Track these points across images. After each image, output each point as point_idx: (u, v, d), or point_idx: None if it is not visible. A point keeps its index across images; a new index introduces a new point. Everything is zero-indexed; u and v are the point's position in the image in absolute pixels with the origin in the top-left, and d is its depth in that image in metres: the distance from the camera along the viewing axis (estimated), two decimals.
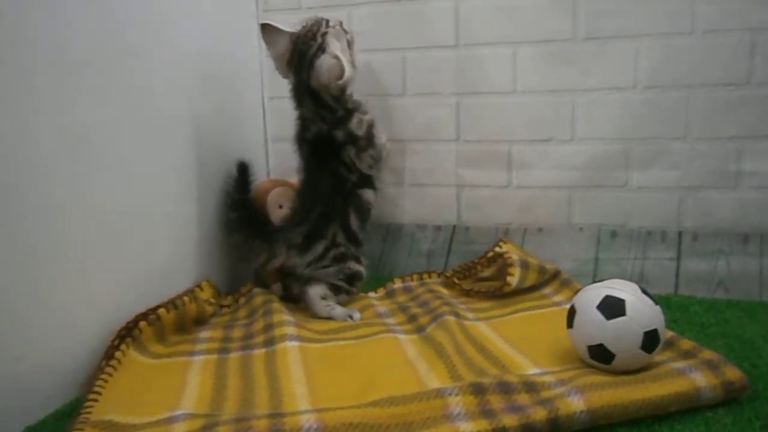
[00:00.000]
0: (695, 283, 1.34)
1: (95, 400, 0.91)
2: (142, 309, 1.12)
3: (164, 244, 1.25)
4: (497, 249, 1.46)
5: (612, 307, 0.94)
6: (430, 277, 1.46)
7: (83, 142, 1.02)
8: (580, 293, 1.03)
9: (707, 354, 0.95)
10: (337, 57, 1.27)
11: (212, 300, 1.31)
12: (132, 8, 1.14)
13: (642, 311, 0.94)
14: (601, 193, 1.42)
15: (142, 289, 1.15)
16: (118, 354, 1.03)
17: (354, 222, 1.36)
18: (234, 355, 1.10)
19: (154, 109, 1.20)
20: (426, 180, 1.53)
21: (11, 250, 0.90)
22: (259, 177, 1.59)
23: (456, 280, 1.41)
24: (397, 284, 1.44)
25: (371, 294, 1.42)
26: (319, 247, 1.33)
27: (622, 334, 0.93)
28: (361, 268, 1.37)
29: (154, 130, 1.21)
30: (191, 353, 1.11)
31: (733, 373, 0.90)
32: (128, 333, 1.07)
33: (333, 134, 1.33)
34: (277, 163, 1.62)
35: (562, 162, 1.43)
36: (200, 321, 1.24)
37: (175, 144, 1.28)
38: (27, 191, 0.92)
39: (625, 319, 0.93)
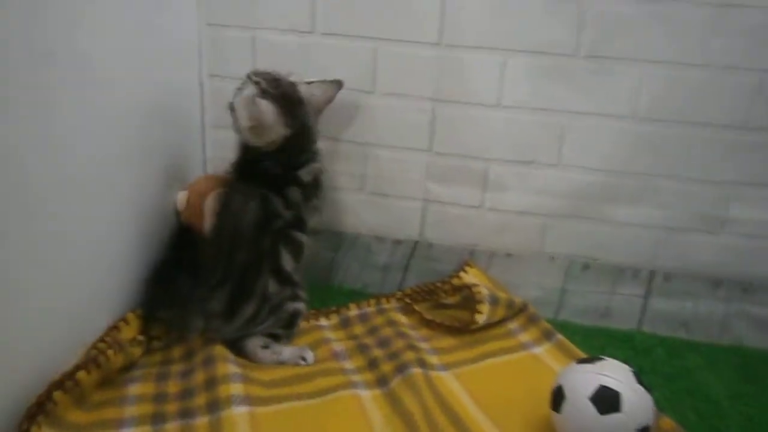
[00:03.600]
0: (658, 322, 1.29)
1: None
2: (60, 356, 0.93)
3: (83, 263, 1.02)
4: (462, 275, 1.35)
5: (606, 401, 0.88)
6: (388, 301, 1.32)
7: None
8: (567, 373, 0.96)
9: None
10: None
11: (139, 337, 1.12)
12: None
13: (637, 406, 0.89)
14: (578, 224, 1.32)
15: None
16: None
17: (287, 262, 1.16)
18: (171, 427, 0.94)
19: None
20: (389, 190, 1.36)
21: None
22: (194, 170, 1.37)
23: (416, 308, 1.29)
24: (353, 311, 1.30)
25: (323, 322, 1.27)
26: (248, 309, 1.12)
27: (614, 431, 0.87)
28: (300, 306, 1.19)
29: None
30: (119, 425, 0.93)
31: None
32: (40, 409, 0.87)
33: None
34: (216, 154, 1.38)
35: (543, 188, 1.31)
36: (127, 367, 1.06)
37: (101, 134, 1.02)
38: None
39: (620, 416, 0.87)
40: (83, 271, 1.02)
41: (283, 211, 1.15)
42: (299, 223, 1.18)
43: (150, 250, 1.19)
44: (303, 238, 1.19)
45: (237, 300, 1.12)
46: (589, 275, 1.35)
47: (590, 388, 0.90)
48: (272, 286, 1.14)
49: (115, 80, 1.05)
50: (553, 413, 0.95)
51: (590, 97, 1.24)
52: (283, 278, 1.16)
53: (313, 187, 1.20)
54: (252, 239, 1.12)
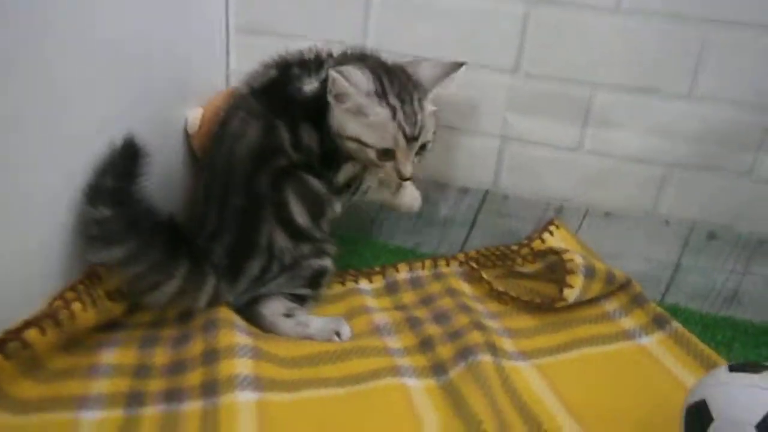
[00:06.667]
0: None
1: None
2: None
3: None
4: (546, 236, 1.05)
5: None
6: (447, 265, 1.04)
7: None
8: (713, 383, 0.67)
9: None
10: None
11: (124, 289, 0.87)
12: None
13: None
14: (709, 178, 0.99)
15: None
16: None
17: (299, 214, 0.87)
18: (150, 413, 0.69)
19: None
20: (457, 122, 1.05)
21: None
22: (214, 84, 1.10)
23: (485, 276, 1.00)
24: (402, 273, 1.02)
25: (363, 285, 1.00)
26: (253, 267, 0.86)
27: None
28: (326, 263, 0.91)
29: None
30: (81, 402, 0.68)
31: None
32: None
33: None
34: (243, 66, 1.10)
35: (666, 126, 0.98)
36: (103, 327, 0.81)
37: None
38: None
39: None
40: (51, 199, 0.76)
41: (290, 150, 0.86)
42: (312, 168, 0.88)
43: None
44: (317, 185, 0.88)
45: (238, 255, 0.85)
46: (714, 247, 1.02)
47: (757, 414, 0.61)
48: (282, 240, 0.86)
49: None
50: None
51: (746, 3, 0.89)
52: (296, 232, 0.87)
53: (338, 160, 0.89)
54: (245, 174, 0.84)
